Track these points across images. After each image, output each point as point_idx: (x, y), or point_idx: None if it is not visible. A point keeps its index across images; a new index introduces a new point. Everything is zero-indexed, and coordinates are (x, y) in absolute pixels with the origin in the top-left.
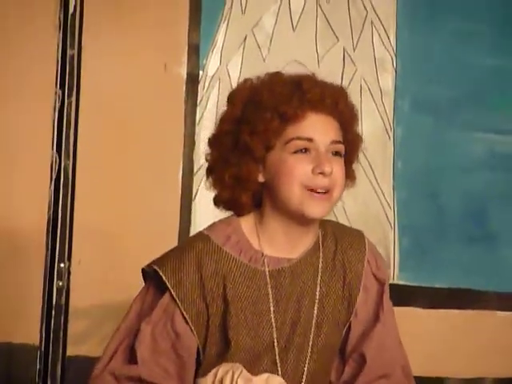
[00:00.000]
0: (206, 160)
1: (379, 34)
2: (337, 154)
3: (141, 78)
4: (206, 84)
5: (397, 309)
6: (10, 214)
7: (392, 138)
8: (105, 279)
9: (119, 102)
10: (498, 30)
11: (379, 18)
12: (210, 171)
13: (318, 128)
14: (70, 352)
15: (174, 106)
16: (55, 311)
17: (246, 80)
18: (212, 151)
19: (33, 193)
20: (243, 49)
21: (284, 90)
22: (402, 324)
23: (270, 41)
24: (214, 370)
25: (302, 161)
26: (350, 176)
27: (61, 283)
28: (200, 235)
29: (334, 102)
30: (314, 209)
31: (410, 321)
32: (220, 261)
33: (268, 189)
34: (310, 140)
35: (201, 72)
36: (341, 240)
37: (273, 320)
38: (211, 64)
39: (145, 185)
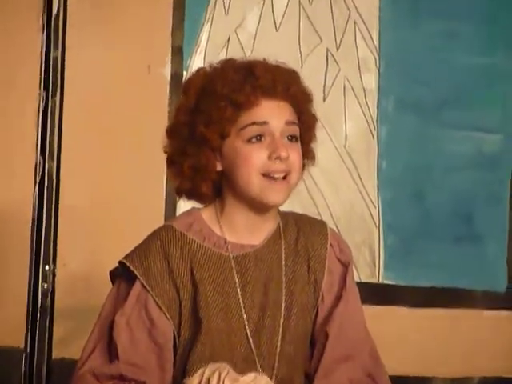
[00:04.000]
0: (165, 152)
1: (362, 34)
2: (292, 138)
3: (125, 79)
4: None
5: (382, 308)
6: None
7: (376, 138)
8: (90, 282)
9: (103, 103)
10: (482, 28)
11: (362, 18)
12: (169, 162)
13: (272, 112)
14: (55, 354)
15: (158, 106)
16: (40, 314)
17: (199, 69)
18: (170, 142)
19: (17, 195)
20: (226, 49)
21: (236, 77)
22: (388, 323)
23: (254, 41)
24: (200, 370)
25: (258, 149)
26: (308, 156)
27: (46, 286)
28: (162, 226)
29: (286, 87)
30: (274, 196)
31: (396, 320)
32: (185, 246)
33: (226, 177)
34: (264, 123)
35: (185, 73)
36: (303, 227)
37: (241, 303)
38: (195, 64)
39: (130, 186)
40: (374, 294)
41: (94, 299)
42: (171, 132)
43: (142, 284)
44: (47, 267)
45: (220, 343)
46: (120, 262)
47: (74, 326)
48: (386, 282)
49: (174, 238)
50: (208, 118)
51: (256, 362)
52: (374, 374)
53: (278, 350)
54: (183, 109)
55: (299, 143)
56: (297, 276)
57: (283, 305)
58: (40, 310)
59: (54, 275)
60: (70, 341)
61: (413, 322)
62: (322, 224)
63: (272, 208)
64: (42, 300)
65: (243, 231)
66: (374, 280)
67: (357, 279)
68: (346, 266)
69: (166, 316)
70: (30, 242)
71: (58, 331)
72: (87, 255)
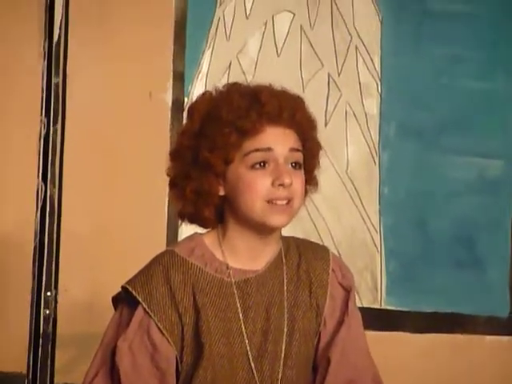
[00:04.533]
0: (168, 174)
1: (364, 59)
2: (296, 165)
3: (126, 106)
4: None
5: (384, 333)
6: None
7: (378, 163)
8: (91, 307)
9: (105, 129)
10: (483, 54)
11: (363, 43)
12: (172, 185)
13: (277, 139)
14: (57, 380)
15: (159, 133)
16: (42, 339)
17: (204, 93)
18: (173, 165)
19: (19, 221)
20: (228, 75)
21: (242, 103)
22: (390, 349)
23: (255, 66)
24: None
25: (262, 176)
26: (311, 183)
27: (48, 312)
28: (165, 251)
29: (292, 114)
30: (276, 218)
31: (398, 345)
32: (187, 272)
33: (229, 202)
34: (268, 150)
35: (186, 99)
36: (304, 252)
37: (243, 328)
38: (196, 91)
39: (131, 212)
40: (376, 319)
41: (96, 325)
42: (175, 155)
43: (145, 309)
44: (49, 293)
45: (222, 368)
46: (122, 287)
47: (76, 352)
48: (388, 307)
49: (176, 263)
50: (212, 143)
51: None
52: None
53: (280, 375)
54: (188, 132)
55: (302, 170)
56: (299, 301)
57: (285, 330)
58: (42, 336)
59: (55, 301)
60: (72, 367)
61: (415, 347)
62: (323, 249)
63: (274, 231)
64: (43, 326)
65: (245, 256)
66: (376, 305)
67: (359, 304)
68: (348, 291)
69: (169, 341)
70: (31, 267)
71: (60, 357)
72: (89, 281)
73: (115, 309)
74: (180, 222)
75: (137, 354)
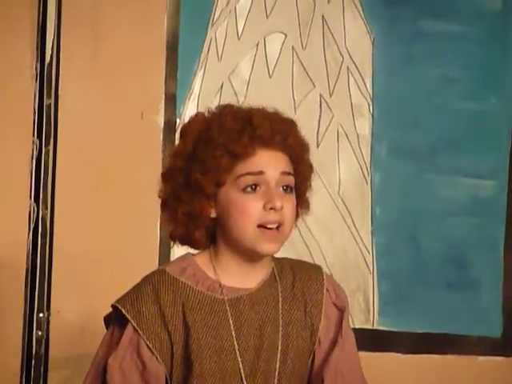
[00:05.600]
0: (159, 196)
1: (355, 80)
2: (287, 188)
3: (118, 127)
4: None
5: (377, 354)
6: None
7: (370, 183)
8: (84, 328)
9: (96, 150)
10: (475, 74)
11: (355, 64)
12: (163, 206)
13: (268, 162)
14: None
15: (151, 154)
16: (35, 361)
17: (197, 114)
18: (165, 186)
19: (11, 243)
20: (220, 96)
21: (234, 126)
22: (383, 369)
23: (247, 87)
24: None
25: (253, 200)
26: (303, 206)
27: (40, 333)
28: (155, 270)
29: (284, 137)
30: (267, 246)
31: (391, 366)
32: (177, 291)
33: (220, 224)
34: (260, 173)
35: (178, 120)
36: (299, 272)
37: (236, 345)
38: (188, 112)
39: (123, 233)
40: (369, 340)
41: (89, 346)
42: (166, 176)
43: (134, 327)
44: (41, 315)
45: None
46: (112, 306)
47: (69, 373)
48: (380, 328)
49: (165, 282)
50: (204, 165)
51: None
52: None
53: None
54: (180, 154)
55: (294, 194)
56: (293, 320)
57: (279, 348)
58: (35, 358)
59: (48, 322)
60: None
61: (408, 367)
62: (317, 269)
63: (264, 257)
64: (36, 347)
65: (237, 275)
66: (368, 326)
67: (351, 325)
68: (341, 311)
69: (158, 359)
70: (23, 289)
71: (52, 378)
72: (81, 302)
73: (107, 328)
74: (172, 243)
75: (127, 371)
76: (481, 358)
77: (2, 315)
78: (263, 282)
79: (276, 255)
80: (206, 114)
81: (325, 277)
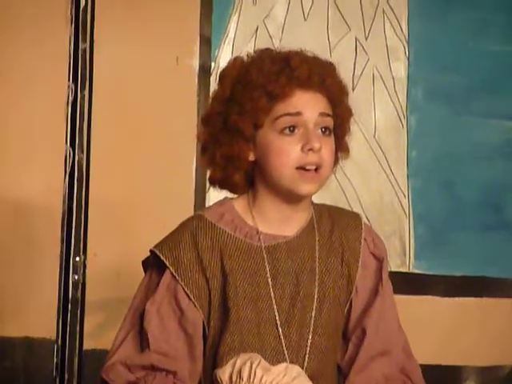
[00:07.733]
0: (198, 139)
1: (391, 23)
2: (326, 130)
3: (153, 71)
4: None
5: (413, 297)
6: (25, 209)
7: (405, 127)
8: (120, 272)
9: (132, 95)
10: (511, 16)
11: (391, 7)
12: (202, 150)
13: (306, 103)
14: (86, 346)
15: (186, 98)
16: (71, 305)
17: (236, 58)
18: (204, 130)
19: (47, 187)
20: (255, 39)
21: (272, 68)
22: (419, 312)
23: (282, 31)
24: (232, 360)
25: (291, 142)
26: (342, 149)
27: (76, 277)
28: (193, 216)
29: (322, 79)
30: (305, 186)
31: (427, 309)
32: (215, 236)
33: (259, 167)
34: (298, 114)
35: (213, 64)
36: (337, 220)
37: (272, 293)
38: (223, 55)
39: (159, 177)
40: (405, 283)
41: (125, 290)
42: (206, 120)
43: (172, 273)
44: (78, 258)
45: (249, 333)
46: (151, 251)
47: (105, 317)
48: (416, 271)
49: (204, 228)
50: (242, 107)
51: (285, 353)
52: (407, 369)
53: (309, 342)
54: (218, 98)
55: (332, 137)
56: (330, 268)
57: (316, 296)
58: (71, 302)
59: (84, 266)
60: (101, 332)
61: (443, 310)
62: (356, 217)
63: (304, 198)
64: (72, 291)
65: (276, 222)
66: (404, 269)
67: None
68: (380, 260)
69: (195, 305)
70: (60, 233)
71: (89, 322)
72: (117, 246)
73: (145, 272)
74: (208, 186)
75: (165, 317)
76: None
77: (38, 259)
78: (301, 230)
79: (313, 198)
80: (245, 58)
81: (363, 225)
